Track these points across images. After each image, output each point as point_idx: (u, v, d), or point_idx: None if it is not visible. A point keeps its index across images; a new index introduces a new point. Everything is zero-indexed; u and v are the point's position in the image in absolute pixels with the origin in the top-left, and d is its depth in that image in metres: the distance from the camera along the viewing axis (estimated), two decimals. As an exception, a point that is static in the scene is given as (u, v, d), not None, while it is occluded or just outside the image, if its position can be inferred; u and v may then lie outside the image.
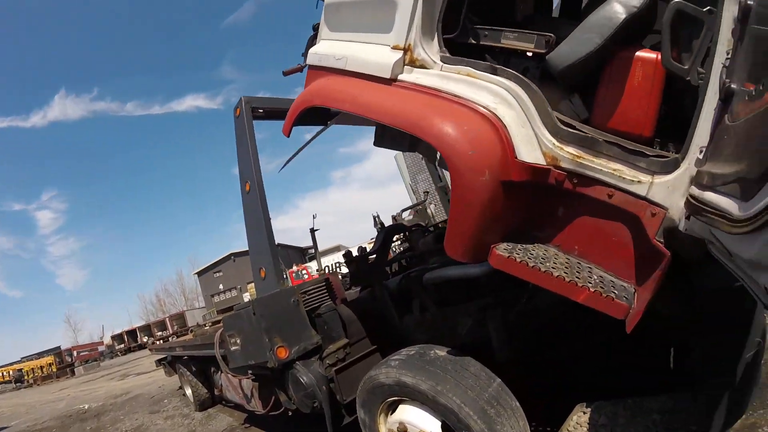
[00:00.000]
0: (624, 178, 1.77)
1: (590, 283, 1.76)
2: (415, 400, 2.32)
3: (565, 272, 1.78)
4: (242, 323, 3.27)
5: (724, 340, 1.77)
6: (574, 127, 1.89)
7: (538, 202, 2.03)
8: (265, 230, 3.42)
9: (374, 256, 3.74)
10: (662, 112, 1.90)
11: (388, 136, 3.12)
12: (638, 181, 1.76)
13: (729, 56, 1.32)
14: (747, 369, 1.87)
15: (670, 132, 1.94)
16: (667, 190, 1.70)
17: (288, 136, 3.01)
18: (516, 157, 1.89)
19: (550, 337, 2.67)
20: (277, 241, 3.59)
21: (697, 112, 1.56)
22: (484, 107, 1.96)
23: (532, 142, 1.90)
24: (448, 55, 2.21)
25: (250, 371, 3.70)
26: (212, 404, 7.16)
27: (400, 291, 3.43)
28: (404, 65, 2.27)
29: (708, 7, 1.60)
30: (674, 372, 2.32)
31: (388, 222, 8.44)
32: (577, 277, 1.77)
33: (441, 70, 2.18)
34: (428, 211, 7.87)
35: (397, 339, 3.33)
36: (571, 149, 1.84)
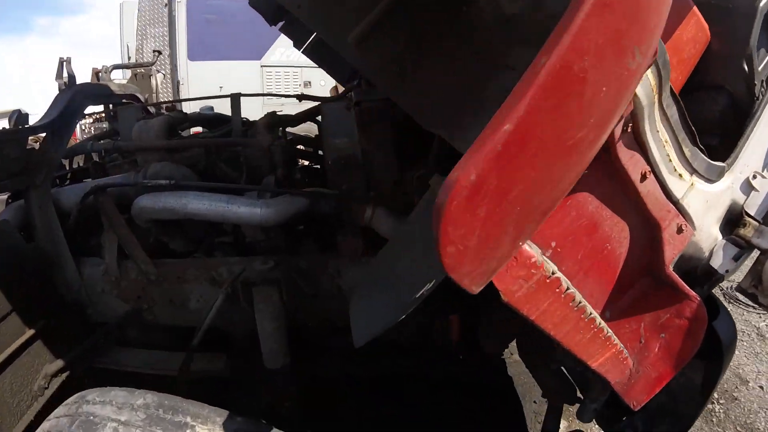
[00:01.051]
0: (670, 160, 0.95)
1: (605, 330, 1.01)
2: None
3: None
4: None
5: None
6: None
7: None
8: None
9: (44, 135, 1.95)
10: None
11: None
12: (679, 175, 0.97)
13: None
14: None
15: None
16: (704, 205, 1.06)
17: None
18: None
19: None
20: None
21: (751, 127, 1.19)
22: None
23: None
24: None
25: None
26: None
27: (82, 213, 1.88)
28: None
29: None
30: None
31: (84, 80, 5.28)
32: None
33: None
34: (153, 81, 5.46)
35: (73, 310, 1.85)
36: (648, 73, 0.88)
